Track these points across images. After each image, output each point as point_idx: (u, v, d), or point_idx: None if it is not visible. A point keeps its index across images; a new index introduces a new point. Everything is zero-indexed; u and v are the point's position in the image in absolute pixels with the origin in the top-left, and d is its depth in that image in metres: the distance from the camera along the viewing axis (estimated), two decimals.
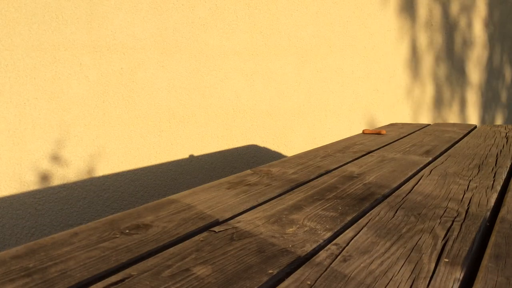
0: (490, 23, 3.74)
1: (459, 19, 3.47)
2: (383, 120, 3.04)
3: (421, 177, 1.09)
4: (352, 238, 0.71)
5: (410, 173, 1.14)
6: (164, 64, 2.11)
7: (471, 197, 0.93)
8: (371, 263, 0.62)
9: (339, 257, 0.64)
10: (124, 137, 2.02)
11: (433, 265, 0.62)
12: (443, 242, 0.69)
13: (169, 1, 2.10)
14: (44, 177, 1.84)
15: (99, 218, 2.00)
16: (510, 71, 4.13)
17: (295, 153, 2.43)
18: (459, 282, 0.57)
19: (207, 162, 2.30)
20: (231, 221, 0.79)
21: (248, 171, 1.17)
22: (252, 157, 2.45)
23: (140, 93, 2.05)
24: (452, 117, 3.52)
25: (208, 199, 0.92)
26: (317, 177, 1.11)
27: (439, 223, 0.78)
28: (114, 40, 1.96)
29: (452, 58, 3.45)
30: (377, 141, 1.67)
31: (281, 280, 0.58)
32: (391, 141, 1.65)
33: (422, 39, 3.21)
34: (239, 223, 0.78)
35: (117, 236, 0.72)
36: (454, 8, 3.42)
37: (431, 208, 0.86)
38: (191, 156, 2.25)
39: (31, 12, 1.76)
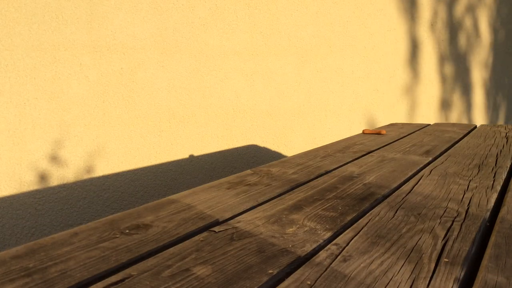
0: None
1: (463, 19, 3.47)
2: (383, 120, 3.04)
3: (421, 177, 1.09)
4: (352, 238, 0.71)
5: (410, 173, 1.14)
6: (164, 64, 2.11)
7: (471, 197, 0.93)
8: (371, 263, 0.62)
9: (339, 257, 0.64)
10: (124, 137, 2.02)
11: (433, 265, 0.62)
12: (443, 242, 0.69)
13: (169, 1, 2.10)
14: (44, 177, 1.84)
15: (99, 218, 2.00)
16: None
17: (295, 153, 2.43)
18: (459, 282, 0.57)
19: (207, 162, 2.30)
20: (231, 221, 0.79)
21: (248, 171, 1.17)
22: (252, 157, 2.45)
23: (140, 93, 2.05)
24: (453, 117, 3.52)
25: (208, 199, 0.92)
26: (317, 177, 1.11)
27: (439, 223, 0.78)
28: (114, 40, 1.96)
29: (454, 58, 3.45)
30: (377, 141, 1.67)
31: (281, 280, 0.58)
32: (391, 141, 1.65)
33: (422, 39, 3.21)
34: (239, 223, 0.78)
35: (117, 236, 0.72)
36: (458, 7, 3.42)
37: (431, 208, 0.86)
38: (191, 156, 2.25)
39: (31, 12, 1.76)
